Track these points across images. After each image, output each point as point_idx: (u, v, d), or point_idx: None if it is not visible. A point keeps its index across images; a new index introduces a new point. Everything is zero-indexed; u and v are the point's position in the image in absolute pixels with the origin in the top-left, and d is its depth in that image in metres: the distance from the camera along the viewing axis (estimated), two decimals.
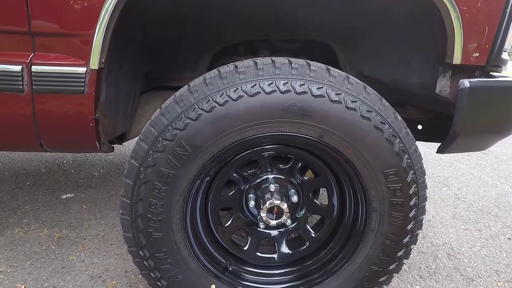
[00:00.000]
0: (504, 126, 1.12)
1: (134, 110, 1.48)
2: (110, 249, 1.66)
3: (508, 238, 1.96)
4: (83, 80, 0.94)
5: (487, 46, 1.05)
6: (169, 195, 0.96)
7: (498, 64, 1.10)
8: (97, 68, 0.94)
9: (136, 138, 1.01)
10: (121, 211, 1.01)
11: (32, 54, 0.94)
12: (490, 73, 1.12)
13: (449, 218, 2.18)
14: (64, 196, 2.24)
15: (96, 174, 2.68)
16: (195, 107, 0.90)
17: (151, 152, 0.92)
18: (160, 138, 0.92)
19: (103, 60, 0.95)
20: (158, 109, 0.97)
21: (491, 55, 1.06)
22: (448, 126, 1.11)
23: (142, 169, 0.94)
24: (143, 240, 1.01)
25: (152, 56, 1.47)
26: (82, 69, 0.94)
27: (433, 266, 1.65)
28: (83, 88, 0.95)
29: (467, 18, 1.00)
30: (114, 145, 1.52)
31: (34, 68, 0.94)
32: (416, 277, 1.56)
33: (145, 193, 0.95)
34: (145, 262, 1.05)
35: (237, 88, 0.89)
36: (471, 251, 1.81)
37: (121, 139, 1.54)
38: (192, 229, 1.12)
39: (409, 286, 1.50)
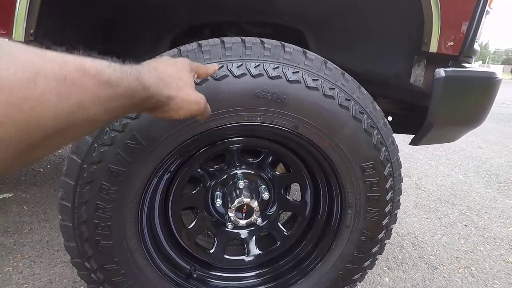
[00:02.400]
0: (476, 117, 1.11)
1: None
2: (55, 257, 1.46)
3: (465, 225, 2.05)
4: None
5: (461, 35, 1.02)
6: (120, 196, 0.81)
7: (470, 54, 1.08)
8: (23, 40, 0.75)
9: None
10: (60, 217, 0.84)
11: None
12: (462, 63, 1.10)
13: (412, 208, 2.25)
14: (0, 197, 1.95)
15: (41, 170, 2.38)
16: None
17: (96, 145, 0.77)
18: (107, 129, 0.77)
19: (32, 30, 0.76)
20: None
21: (465, 44, 1.03)
22: (418, 118, 1.08)
23: (85, 166, 0.78)
24: (89, 250, 0.85)
25: (101, 34, 1.27)
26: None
27: (399, 257, 1.67)
28: None
29: (445, 5, 0.96)
30: None
31: None
32: (385, 268, 1.56)
33: (90, 195, 0.79)
34: (93, 275, 0.89)
35: None
36: (433, 240, 1.86)
37: None
38: (150, 234, 0.98)
39: (378, 278, 1.49)
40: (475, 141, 4.40)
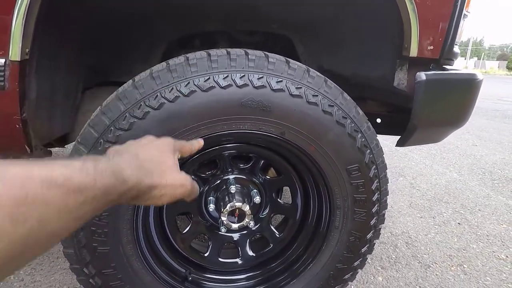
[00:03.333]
0: (458, 118, 1.15)
1: (76, 109, 1.32)
2: (55, 264, 1.49)
3: (458, 223, 2.09)
4: (2, 73, 0.79)
5: (440, 39, 1.06)
6: None
7: (451, 57, 1.12)
8: (20, 60, 0.79)
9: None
10: None
11: None
12: (444, 66, 1.14)
13: (406, 207, 2.28)
14: None
15: None
16: (141, 104, 0.79)
17: (101, 141, 0.80)
18: (102, 141, 0.80)
19: (27, 50, 0.80)
20: (99, 107, 0.85)
21: (445, 48, 1.07)
22: (406, 119, 1.11)
23: None
24: (87, 256, 0.89)
25: (95, 47, 1.32)
26: (0, 60, 0.79)
27: (393, 256, 1.70)
28: (2, 83, 0.80)
29: (422, 10, 1.00)
30: (55, 148, 1.35)
31: None
32: (378, 268, 1.59)
33: None
34: (91, 280, 0.92)
35: (188, 82, 0.80)
36: (427, 238, 1.89)
37: (62, 141, 1.37)
38: (146, 239, 1.02)
39: (372, 277, 1.52)
40: (470, 139, 4.44)
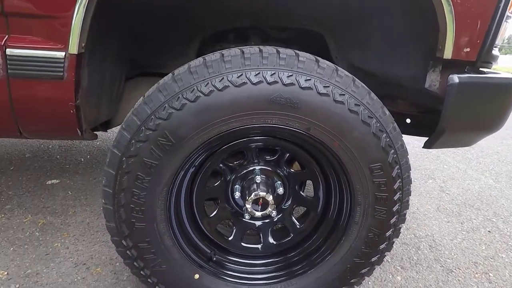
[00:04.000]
0: (491, 123, 1.13)
1: (119, 97, 1.44)
2: (95, 236, 1.65)
3: (488, 231, 2.02)
4: (62, 65, 0.90)
5: (478, 41, 1.04)
6: (152, 185, 0.94)
7: (489, 60, 1.10)
8: (77, 53, 0.90)
9: (119, 127, 0.98)
10: (103, 201, 0.99)
11: (7, 36, 0.89)
12: (480, 69, 1.11)
13: (433, 211, 2.23)
14: (49, 182, 2.20)
15: (82, 160, 2.63)
16: (179, 97, 0.87)
17: (133, 141, 0.90)
18: (143, 128, 0.89)
19: (83, 44, 0.91)
20: (141, 97, 0.94)
21: (482, 50, 1.05)
22: (436, 121, 1.11)
23: (124, 159, 0.91)
24: (125, 230, 0.99)
25: (138, 40, 1.42)
26: (60, 54, 0.90)
27: (414, 257, 1.69)
28: (62, 74, 0.91)
29: (460, 12, 0.99)
30: (99, 132, 1.49)
31: (8, 51, 0.89)
32: (398, 267, 1.60)
33: (127, 183, 0.93)
34: (128, 252, 1.04)
35: (223, 78, 0.86)
36: (452, 243, 1.85)
37: (106, 126, 1.50)
38: (176, 219, 1.11)
39: (390, 276, 1.53)
40: None
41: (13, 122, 1.00)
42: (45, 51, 0.89)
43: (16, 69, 0.90)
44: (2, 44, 0.89)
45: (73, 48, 0.89)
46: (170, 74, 0.93)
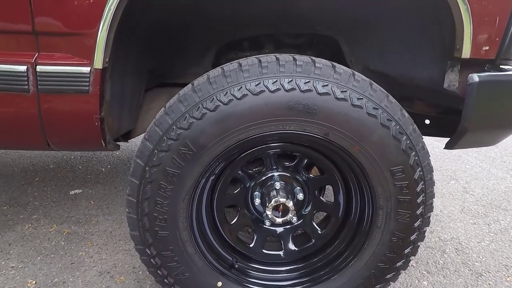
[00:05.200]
0: None
1: (139, 108, 1.48)
2: (118, 245, 1.69)
3: None
4: (88, 79, 0.94)
5: (497, 39, 1.02)
6: (175, 194, 0.96)
7: (509, 57, 1.07)
8: (101, 68, 0.94)
9: (141, 137, 1.01)
10: (127, 210, 1.02)
11: (37, 54, 0.95)
12: (501, 66, 1.09)
13: (457, 212, 2.16)
14: (72, 192, 2.27)
15: (103, 170, 2.71)
16: (199, 106, 0.89)
17: (156, 151, 0.93)
18: (165, 138, 0.92)
19: (107, 59, 0.95)
20: (163, 108, 0.97)
21: (502, 48, 1.03)
22: (457, 121, 1.09)
23: (147, 168, 0.94)
24: (149, 239, 1.02)
25: (156, 52, 1.47)
26: (86, 69, 0.94)
27: (440, 261, 1.64)
28: (87, 88, 0.95)
29: (477, 10, 0.97)
30: (119, 142, 1.54)
31: (39, 68, 0.94)
32: (424, 272, 1.56)
33: (150, 192, 0.95)
34: (152, 260, 1.06)
35: (241, 87, 0.88)
36: (480, 246, 1.79)
37: (126, 136, 1.55)
38: (198, 227, 1.13)
39: (416, 281, 1.49)
40: None
41: (42, 135, 1.04)
42: (72, 66, 0.94)
43: (45, 85, 0.95)
44: (33, 61, 0.94)
45: (98, 63, 0.93)
46: (189, 85, 0.95)
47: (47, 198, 2.16)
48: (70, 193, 2.25)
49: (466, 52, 1.01)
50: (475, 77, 1.00)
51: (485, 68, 1.06)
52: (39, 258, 1.56)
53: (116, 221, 1.91)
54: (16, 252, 1.59)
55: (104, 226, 1.85)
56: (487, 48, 1.02)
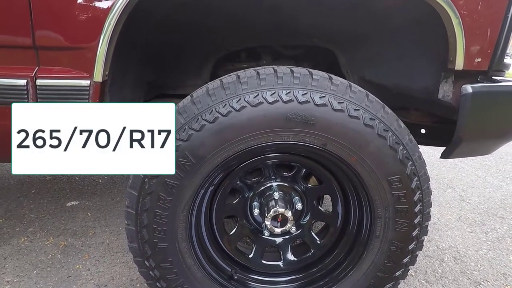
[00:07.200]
0: (509, 130, 1.12)
1: None
2: (115, 258, 1.67)
3: None
4: (87, 92, 0.95)
5: (489, 51, 1.05)
6: (174, 205, 0.96)
7: (501, 68, 1.10)
8: (101, 81, 0.95)
9: None
10: (126, 222, 1.02)
11: (37, 67, 0.96)
12: (493, 77, 1.12)
13: (454, 221, 2.17)
14: (69, 204, 2.25)
15: (100, 181, 2.69)
16: (198, 118, 0.90)
17: None
18: None
19: (107, 72, 0.96)
20: None
21: (494, 60, 1.06)
22: (452, 130, 1.11)
23: (146, 180, 0.94)
24: (148, 250, 1.01)
25: (154, 64, 1.48)
26: (86, 82, 0.95)
27: (439, 270, 1.64)
28: (87, 101, 0.96)
29: (469, 23, 1.00)
30: None
31: (38, 81, 0.95)
32: (423, 281, 1.55)
33: (150, 204, 0.95)
34: (151, 272, 1.05)
35: (240, 99, 0.89)
36: (478, 254, 1.79)
37: None
38: (197, 238, 1.12)
39: None
40: None
41: None
42: (72, 80, 0.95)
43: (45, 98, 0.96)
44: (33, 75, 0.95)
45: (98, 76, 0.94)
46: (188, 97, 0.96)
47: (43, 211, 2.13)
48: (66, 205, 2.23)
49: (459, 64, 1.04)
50: (468, 88, 1.02)
51: (478, 79, 1.09)
52: (35, 271, 1.54)
53: (113, 233, 1.90)
54: (11, 266, 1.57)
55: (101, 238, 1.83)
56: (479, 60, 1.05)
